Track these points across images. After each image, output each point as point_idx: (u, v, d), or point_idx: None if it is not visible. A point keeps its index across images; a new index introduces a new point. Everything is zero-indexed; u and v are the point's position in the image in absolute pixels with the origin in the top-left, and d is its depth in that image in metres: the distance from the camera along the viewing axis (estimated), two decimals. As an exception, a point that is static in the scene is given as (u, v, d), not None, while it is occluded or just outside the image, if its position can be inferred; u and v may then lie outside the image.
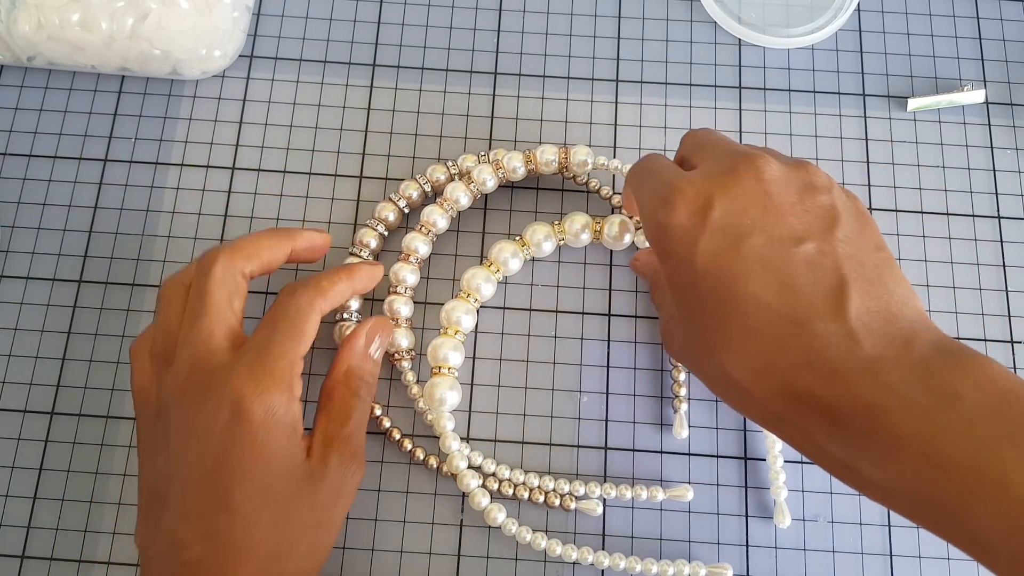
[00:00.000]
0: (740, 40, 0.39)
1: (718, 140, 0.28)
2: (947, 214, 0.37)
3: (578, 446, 0.33)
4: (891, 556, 0.32)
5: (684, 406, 0.33)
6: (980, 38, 0.39)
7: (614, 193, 0.36)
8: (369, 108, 0.38)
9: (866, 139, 0.38)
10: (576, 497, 0.32)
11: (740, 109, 0.38)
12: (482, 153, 0.36)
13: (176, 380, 0.27)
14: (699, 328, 0.26)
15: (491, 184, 0.34)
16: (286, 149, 0.37)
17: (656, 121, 0.38)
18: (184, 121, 0.37)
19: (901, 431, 0.22)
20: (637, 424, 0.34)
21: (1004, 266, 0.36)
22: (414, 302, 0.34)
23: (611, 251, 0.36)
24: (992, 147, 0.38)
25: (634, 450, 0.33)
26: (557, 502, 0.32)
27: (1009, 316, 0.35)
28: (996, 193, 0.37)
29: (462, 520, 0.33)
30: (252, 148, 0.37)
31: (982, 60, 0.39)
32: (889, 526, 0.33)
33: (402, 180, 0.36)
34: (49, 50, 0.35)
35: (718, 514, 0.33)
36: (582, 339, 0.35)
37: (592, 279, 0.36)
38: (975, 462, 0.20)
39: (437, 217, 0.34)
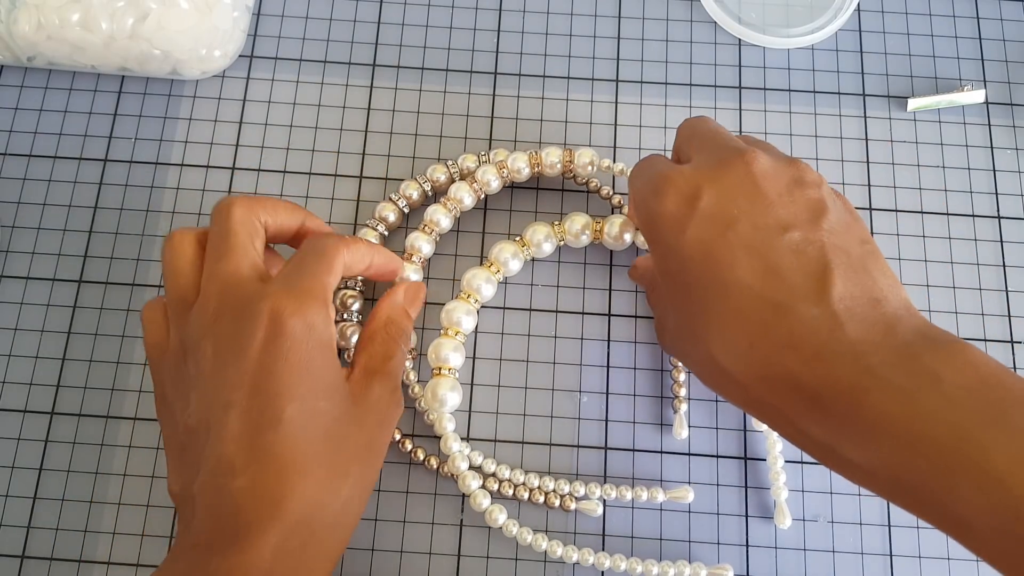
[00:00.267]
0: (740, 40, 0.39)
1: (712, 132, 0.28)
2: (947, 214, 0.37)
3: (578, 446, 0.33)
4: (891, 556, 0.32)
5: (684, 406, 0.33)
6: (980, 38, 0.39)
7: (614, 193, 0.36)
8: (369, 108, 0.38)
9: (866, 139, 0.38)
10: (576, 498, 0.32)
11: (740, 109, 0.38)
12: (482, 153, 0.36)
13: (204, 313, 0.26)
14: (687, 314, 0.27)
15: (495, 185, 0.34)
16: (286, 149, 0.37)
17: (656, 121, 0.38)
18: (184, 121, 0.37)
19: (882, 412, 0.22)
20: (637, 424, 0.34)
21: (1004, 266, 0.36)
22: (414, 302, 0.35)
23: (611, 251, 0.36)
24: (992, 147, 0.38)
25: (634, 450, 0.33)
26: (557, 502, 0.32)
27: (1009, 316, 0.35)
28: (996, 193, 0.37)
29: (462, 520, 0.33)
30: (252, 148, 0.37)
31: (982, 60, 0.39)
32: (889, 526, 0.33)
33: (402, 180, 0.36)
34: (49, 50, 0.35)
35: (718, 514, 0.33)
36: (582, 339, 0.35)
37: (592, 279, 0.36)
38: (955, 442, 0.21)
39: (441, 217, 0.34)
